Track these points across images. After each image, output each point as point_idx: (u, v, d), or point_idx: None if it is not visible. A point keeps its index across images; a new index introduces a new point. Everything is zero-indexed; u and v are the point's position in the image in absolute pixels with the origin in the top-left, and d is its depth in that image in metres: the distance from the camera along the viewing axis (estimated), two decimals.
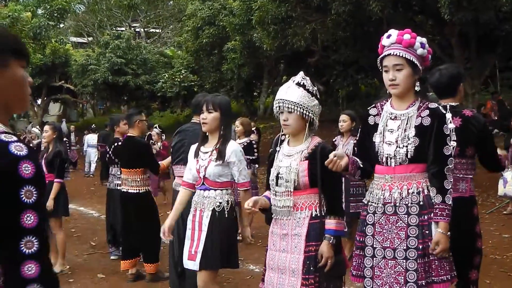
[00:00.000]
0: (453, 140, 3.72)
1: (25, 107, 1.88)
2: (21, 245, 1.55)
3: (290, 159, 3.40)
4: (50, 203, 6.50)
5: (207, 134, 4.15)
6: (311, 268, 3.26)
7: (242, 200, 4.15)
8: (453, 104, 3.94)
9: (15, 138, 1.64)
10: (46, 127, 6.92)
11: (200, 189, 4.11)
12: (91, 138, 19.69)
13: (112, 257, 7.39)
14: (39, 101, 32.07)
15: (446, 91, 3.99)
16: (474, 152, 3.90)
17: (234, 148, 4.06)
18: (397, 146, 3.19)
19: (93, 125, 23.79)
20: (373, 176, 3.38)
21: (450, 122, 3.76)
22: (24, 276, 1.54)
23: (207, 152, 4.09)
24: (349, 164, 3.20)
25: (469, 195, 3.88)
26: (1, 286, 1.60)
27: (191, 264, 4.06)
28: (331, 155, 3.07)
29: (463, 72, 4.18)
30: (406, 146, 3.17)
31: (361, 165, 3.32)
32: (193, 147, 4.28)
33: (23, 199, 1.56)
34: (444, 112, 3.27)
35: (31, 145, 12.19)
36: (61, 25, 30.47)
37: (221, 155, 4.00)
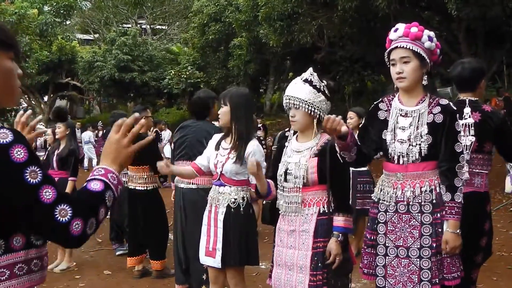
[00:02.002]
0: (472, 135, 3.69)
1: (14, 100, 1.81)
2: (57, 217, 1.57)
3: (299, 155, 3.40)
4: None
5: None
6: (319, 264, 3.27)
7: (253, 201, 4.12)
8: (472, 99, 3.88)
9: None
10: (59, 124, 6.91)
11: (216, 185, 4.03)
12: (87, 135, 19.99)
13: (117, 253, 7.41)
14: (45, 98, 32.16)
15: (467, 85, 3.93)
16: (491, 147, 3.86)
17: (253, 148, 3.91)
18: (409, 144, 3.15)
19: (100, 121, 23.86)
20: (381, 172, 3.36)
21: (469, 117, 3.72)
22: (76, 233, 1.60)
23: (226, 149, 4.00)
24: (349, 135, 3.04)
25: (484, 190, 3.83)
26: (18, 275, 1.65)
27: (209, 260, 4.01)
28: (332, 116, 2.93)
29: (486, 68, 4.10)
30: (419, 144, 3.13)
31: (360, 150, 3.22)
32: (215, 138, 4.18)
33: (30, 181, 1.56)
34: (455, 108, 3.21)
35: (39, 140, 12.21)
36: (67, 22, 30.56)
37: (239, 156, 3.87)
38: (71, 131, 6.84)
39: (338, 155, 3.23)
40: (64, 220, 1.58)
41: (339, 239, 3.27)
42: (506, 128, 3.88)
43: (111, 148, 1.83)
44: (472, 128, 3.72)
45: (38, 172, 1.58)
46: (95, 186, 1.72)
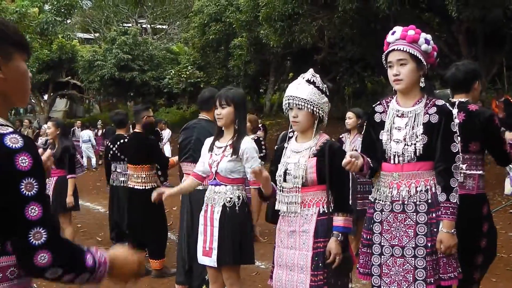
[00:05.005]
0: (457, 136, 3.70)
1: (25, 101, 1.88)
2: (30, 237, 1.57)
3: (299, 155, 3.41)
4: (70, 200, 6.57)
5: (222, 128, 4.11)
6: (320, 264, 3.28)
7: (253, 198, 4.14)
8: (463, 100, 3.89)
9: (10, 130, 1.63)
10: (49, 124, 6.92)
11: (211, 184, 4.06)
12: (85, 134, 20.02)
13: None
14: (45, 97, 32.15)
15: (460, 87, 3.96)
16: (479, 147, 3.83)
17: (248, 144, 3.99)
18: (405, 144, 3.19)
19: (100, 120, 23.86)
20: (379, 173, 3.38)
21: (455, 118, 3.74)
22: (38, 265, 1.59)
23: (221, 147, 4.04)
24: (364, 165, 3.20)
25: (476, 192, 3.81)
26: (9, 278, 1.63)
27: (206, 260, 4.03)
28: (347, 156, 3.06)
29: (480, 70, 4.10)
30: (415, 144, 3.16)
31: (372, 165, 3.31)
32: (208, 141, 4.23)
33: (24, 192, 1.57)
34: (451, 108, 3.26)
35: (40, 139, 12.24)
36: (68, 21, 30.49)
37: (235, 150, 3.94)
38: (62, 130, 6.85)
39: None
40: (35, 243, 1.58)
41: (339, 238, 3.28)
42: (492, 129, 3.83)
43: (125, 262, 1.87)
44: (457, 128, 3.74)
45: (35, 185, 1.59)
46: (89, 261, 1.72)
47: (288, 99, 3.39)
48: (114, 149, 7.22)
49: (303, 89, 3.35)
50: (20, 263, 1.63)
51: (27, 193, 1.57)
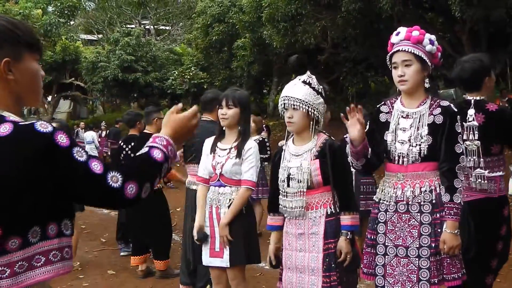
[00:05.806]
0: (477, 139, 3.63)
1: (38, 101, 1.92)
2: (110, 184, 1.73)
3: (300, 158, 3.40)
4: None
5: (224, 129, 4.09)
6: (332, 265, 3.28)
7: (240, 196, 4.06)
8: (478, 98, 3.74)
9: (34, 120, 1.71)
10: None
11: (215, 186, 4.04)
12: (89, 135, 20.04)
13: (122, 254, 7.43)
14: (49, 98, 32.24)
15: (470, 86, 3.81)
16: (500, 148, 3.72)
17: (251, 146, 3.98)
18: (410, 145, 3.19)
19: (103, 122, 23.90)
20: (384, 173, 3.37)
21: (473, 119, 3.65)
22: (131, 197, 1.77)
23: (225, 149, 4.02)
24: (363, 146, 3.19)
25: (498, 195, 3.71)
26: (52, 261, 1.72)
27: (216, 261, 4.01)
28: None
29: (488, 63, 3.85)
30: (419, 145, 3.16)
31: (369, 156, 3.28)
32: (208, 142, 4.21)
33: (79, 159, 1.70)
34: (456, 110, 3.23)
35: None
36: (71, 22, 30.66)
37: (239, 153, 3.92)
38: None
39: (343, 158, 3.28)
40: (117, 185, 1.73)
41: (348, 237, 3.30)
42: None
43: (176, 121, 2.04)
44: (477, 131, 3.64)
45: (82, 151, 1.73)
46: (157, 155, 1.87)
47: (284, 100, 3.39)
48: (127, 149, 7.19)
49: (299, 90, 3.35)
50: (117, 206, 1.97)
51: (81, 159, 1.71)
